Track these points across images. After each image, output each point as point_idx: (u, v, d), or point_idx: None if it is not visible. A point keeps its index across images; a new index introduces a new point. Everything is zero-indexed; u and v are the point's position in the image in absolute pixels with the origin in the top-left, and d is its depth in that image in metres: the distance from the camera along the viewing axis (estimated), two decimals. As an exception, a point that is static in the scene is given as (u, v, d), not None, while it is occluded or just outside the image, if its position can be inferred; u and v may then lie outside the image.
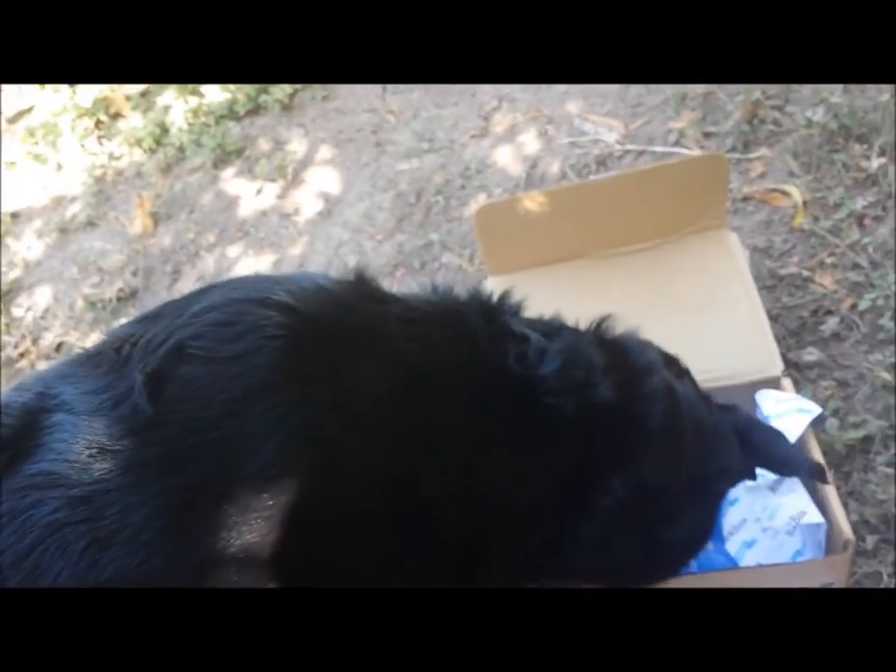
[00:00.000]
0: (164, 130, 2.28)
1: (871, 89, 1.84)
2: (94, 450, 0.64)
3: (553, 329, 0.87)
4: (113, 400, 0.67)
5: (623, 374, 0.85)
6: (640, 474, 0.83)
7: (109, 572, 0.61)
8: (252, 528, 0.63)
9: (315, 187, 2.08)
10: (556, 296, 1.40)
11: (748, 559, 1.12)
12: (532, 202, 1.33)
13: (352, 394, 0.70)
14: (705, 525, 1.00)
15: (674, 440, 0.87)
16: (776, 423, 1.16)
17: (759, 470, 1.19)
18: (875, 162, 1.69)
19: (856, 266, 1.53)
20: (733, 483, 1.02)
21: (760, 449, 0.99)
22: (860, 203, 1.62)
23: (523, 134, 2.06)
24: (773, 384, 1.23)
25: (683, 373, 0.99)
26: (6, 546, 0.62)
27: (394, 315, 0.78)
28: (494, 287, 1.43)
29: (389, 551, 0.70)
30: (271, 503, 0.63)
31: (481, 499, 0.74)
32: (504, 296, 0.89)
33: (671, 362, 0.98)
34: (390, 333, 0.76)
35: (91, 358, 0.72)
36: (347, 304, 0.76)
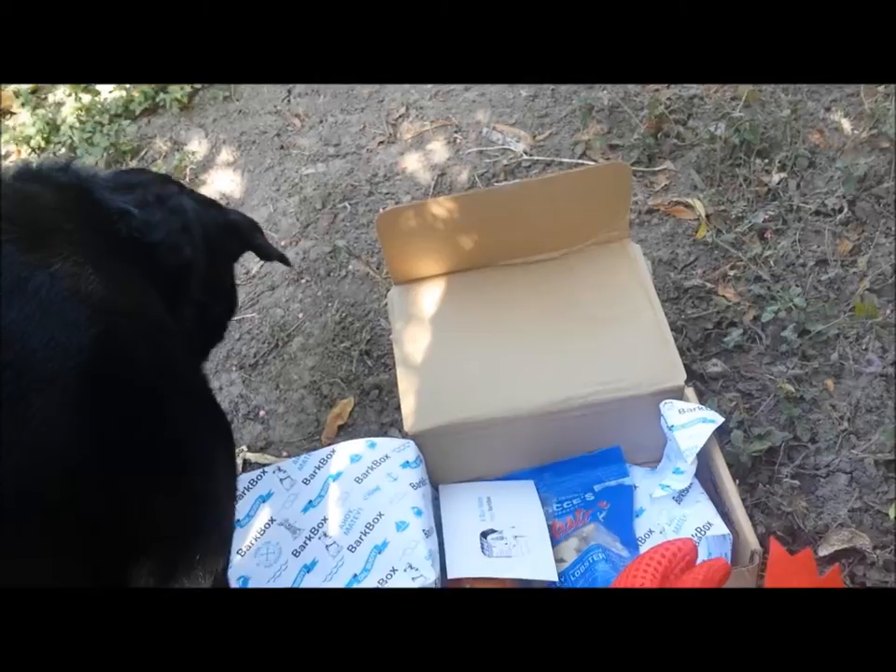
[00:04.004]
0: (55, 128, 2.16)
1: (771, 104, 1.89)
2: None
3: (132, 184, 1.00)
4: None
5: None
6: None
7: None
8: None
9: (216, 189, 2.00)
10: (459, 306, 1.38)
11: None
12: (437, 207, 1.30)
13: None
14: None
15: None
16: (680, 433, 1.16)
17: (664, 481, 1.18)
18: (776, 177, 1.72)
19: (758, 279, 1.55)
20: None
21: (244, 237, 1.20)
22: (761, 217, 1.65)
23: (431, 142, 2.03)
24: (676, 394, 1.22)
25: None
26: None
27: (46, 206, 0.86)
28: (398, 295, 1.40)
29: None
30: None
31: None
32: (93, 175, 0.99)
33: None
34: (55, 220, 0.84)
35: None
36: (20, 204, 0.83)
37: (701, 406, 1.20)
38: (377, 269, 1.75)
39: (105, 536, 0.71)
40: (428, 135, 2.05)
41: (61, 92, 2.29)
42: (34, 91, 2.35)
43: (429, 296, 1.39)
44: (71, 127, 2.13)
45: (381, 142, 2.07)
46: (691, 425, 1.16)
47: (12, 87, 2.37)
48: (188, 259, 0.99)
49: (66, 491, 0.68)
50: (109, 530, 0.72)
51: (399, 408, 1.50)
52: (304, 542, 1.13)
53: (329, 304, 1.71)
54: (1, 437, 0.64)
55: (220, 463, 0.89)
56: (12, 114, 2.33)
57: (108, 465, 0.71)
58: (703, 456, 1.17)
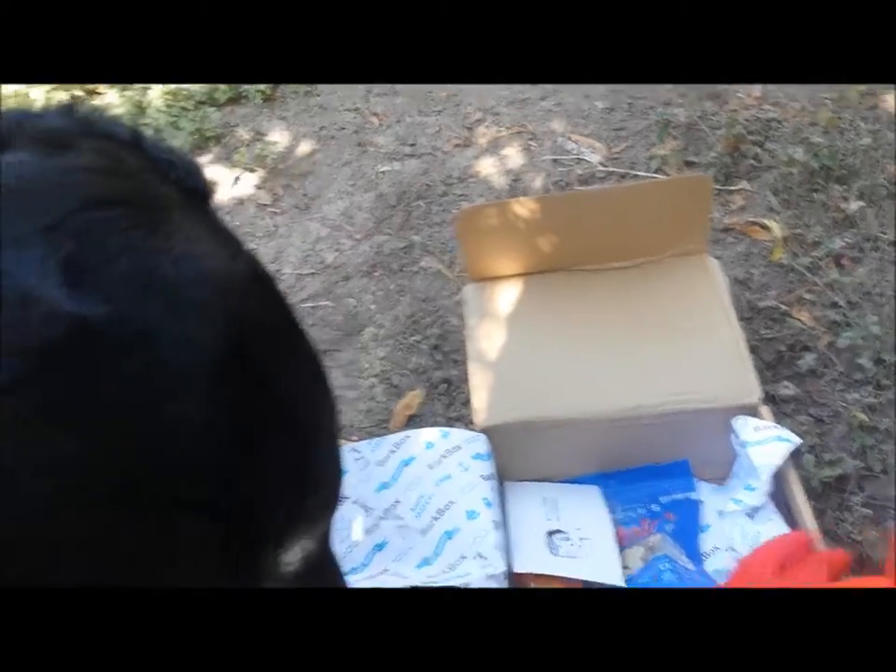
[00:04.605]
0: (142, 110, 2.22)
1: (850, 131, 1.88)
2: None
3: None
4: None
5: None
6: None
7: None
8: None
9: (294, 180, 2.04)
10: (534, 307, 1.39)
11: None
12: (518, 207, 1.32)
13: None
14: None
15: None
16: (754, 449, 1.16)
17: (737, 496, 1.19)
18: (854, 205, 1.72)
19: (834, 304, 1.55)
20: None
21: None
22: (838, 243, 1.64)
23: (506, 148, 2.05)
24: (750, 411, 1.22)
25: None
26: None
27: (137, 170, 0.86)
28: (473, 292, 1.43)
29: None
30: None
31: None
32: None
33: None
34: (153, 185, 0.84)
35: None
36: (117, 176, 0.82)
37: (776, 425, 1.20)
38: (449, 266, 1.78)
39: (239, 523, 0.73)
40: (504, 141, 2.08)
41: (148, 76, 2.36)
42: (121, 74, 2.42)
43: (505, 295, 1.41)
44: (158, 110, 2.19)
45: (456, 144, 2.10)
46: (766, 442, 1.16)
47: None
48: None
49: (203, 488, 0.70)
50: (241, 517, 0.73)
51: (466, 403, 1.52)
52: (377, 522, 1.15)
53: (401, 298, 1.74)
54: (140, 443, 0.65)
55: (333, 419, 0.90)
56: (99, 94, 2.40)
57: (239, 453, 0.73)
58: (776, 476, 1.17)
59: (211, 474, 0.75)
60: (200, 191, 1.02)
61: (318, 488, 0.87)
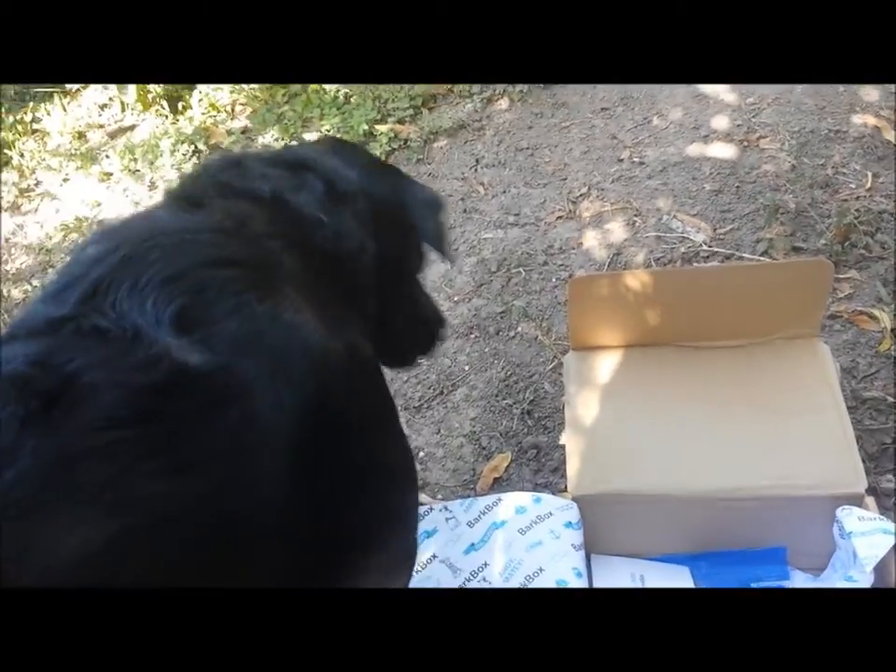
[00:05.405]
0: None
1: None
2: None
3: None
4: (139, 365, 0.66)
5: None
6: None
7: None
8: None
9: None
10: (636, 379, 1.39)
11: None
12: (631, 279, 1.33)
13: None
14: None
15: None
16: (858, 541, 1.12)
17: (836, 586, 1.14)
18: (967, 301, 1.67)
19: (942, 399, 1.49)
20: None
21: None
22: (948, 338, 1.59)
23: (609, 222, 2.08)
24: (855, 501, 1.18)
25: None
26: None
27: (261, 234, 0.84)
28: (574, 360, 1.43)
29: None
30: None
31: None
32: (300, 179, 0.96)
33: None
34: (273, 253, 0.83)
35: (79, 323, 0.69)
36: (240, 239, 0.81)
37: (882, 517, 1.16)
38: (546, 333, 1.79)
39: (303, 561, 0.75)
40: (608, 216, 2.10)
41: (269, 136, 2.48)
42: (244, 132, 2.56)
43: (607, 365, 1.41)
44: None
45: (560, 216, 2.13)
46: (871, 534, 1.12)
47: (224, 126, 2.58)
48: (369, 267, 0.96)
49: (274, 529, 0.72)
50: (307, 555, 0.75)
51: (554, 470, 1.51)
52: (464, 583, 1.15)
53: (496, 361, 1.75)
54: (227, 484, 0.67)
55: (402, 487, 0.92)
56: (222, 149, 2.54)
57: (311, 502, 0.75)
58: (877, 569, 1.12)
59: (280, 519, 0.75)
60: (347, 254, 1.01)
61: (386, 547, 0.88)
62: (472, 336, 1.82)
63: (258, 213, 0.88)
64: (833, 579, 1.19)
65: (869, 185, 2.01)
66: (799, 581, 1.25)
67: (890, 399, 1.52)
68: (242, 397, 0.69)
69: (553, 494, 1.44)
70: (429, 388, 1.72)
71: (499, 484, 1.52)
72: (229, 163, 0.96)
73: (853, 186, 2.02)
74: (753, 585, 1.25)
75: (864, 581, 1.11)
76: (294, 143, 1.04)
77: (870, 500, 1.19)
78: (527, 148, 2.41)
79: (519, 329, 1.81)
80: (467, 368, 1.76)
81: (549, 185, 2.24)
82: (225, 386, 0.68)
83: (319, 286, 0.87)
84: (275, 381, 0.71)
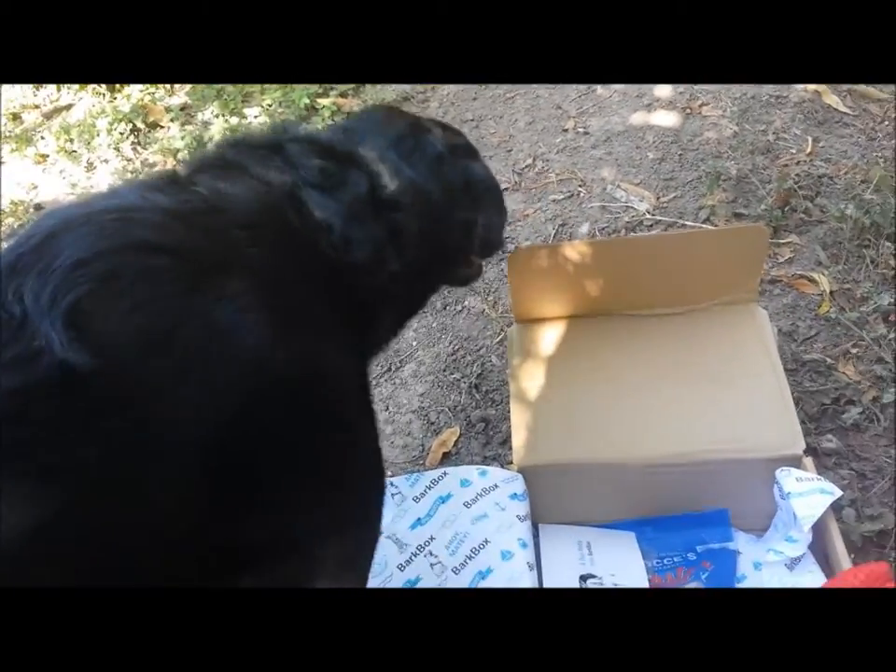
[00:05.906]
0: (202, 144, 2.29)
1: (904, 192, 1.87)
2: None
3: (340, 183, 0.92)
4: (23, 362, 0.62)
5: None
6: None
7: None
8: None
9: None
10: (579, 349, 1.39)
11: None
12: (570, 250, 1.33)
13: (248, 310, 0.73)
14: None
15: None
16: (797, 501, 1.14)
17: (776, 547, 1.16)
18: (905, 262, 1.70)
19: (880, 360, 1.52)
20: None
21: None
22: (886, 300, 1.62)
23: (554, 194, 2.07)
24: (794, 462, 1.21)
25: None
26: None
27: (233, 223, 0.79)
28: (518, 332, 1.43)
29: None
30: None
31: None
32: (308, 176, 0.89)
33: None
34: (237, 246, 0.77)
35: None
36: (196, 225, 0.76)
37: (819, 477, 1.18)
38: (492, 307, 1.79)
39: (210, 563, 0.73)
40: (552, 187, 2.10)
41: (209, 112, 2.43)
42: (183, 108, 2.50)
43: (550, 336, 1.41)
44: (216, 144, 2.25)
45: (505, 188, 2.12)
46: (808, 494, 1.14)
47: (164, 102, 2.53)
48: (384, 283, 0.90)
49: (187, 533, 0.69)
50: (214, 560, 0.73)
51: (503, 443, 1.52)
52: (410, 558, 1.15)
53: (443, 336, 1.75)
54: (107, 490, 0.63)
55: (351, 500, 0.88)
56: (161, 127, 2.48)
57: (223, 511, 0.71)
58: (816, 528, 1.15)
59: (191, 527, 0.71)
60: (356, 265, 0.95)
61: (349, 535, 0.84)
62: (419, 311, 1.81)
63: (251, 202, 0.81)
64: (775, 539, 1.21)
65: (809, 149, 2.04)
66: (742, 541, 1.27)
67: (830, 361, 1.55)
68: (136, 399, 0.64)
69: (502, 466, 1.45)
70: (377, 365, 1.71)
71: (449, 459, 1.52)
72: (264, 144, 0.90)
73: (794, 151, 2.04)
74: (698, 548, 1.27)
75: (803, 540, 1.14)
76: (366, 113, 0.99)
77: (808, 461, 1.22)
78: (472, 120, 2.40)
79: (466, 303, 1.81)
80: (414, 343, 1.75)
81: (494, 157, 2.23)
82: (109, 389, 0.63)
83: (299, 290, 0.80)
84: (186, 384, 0.66)
